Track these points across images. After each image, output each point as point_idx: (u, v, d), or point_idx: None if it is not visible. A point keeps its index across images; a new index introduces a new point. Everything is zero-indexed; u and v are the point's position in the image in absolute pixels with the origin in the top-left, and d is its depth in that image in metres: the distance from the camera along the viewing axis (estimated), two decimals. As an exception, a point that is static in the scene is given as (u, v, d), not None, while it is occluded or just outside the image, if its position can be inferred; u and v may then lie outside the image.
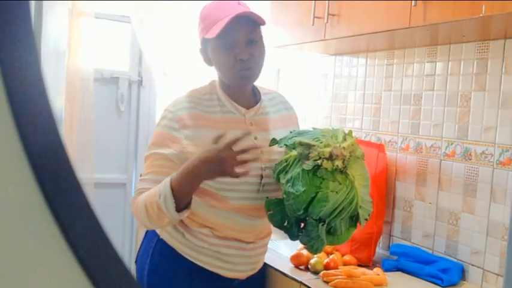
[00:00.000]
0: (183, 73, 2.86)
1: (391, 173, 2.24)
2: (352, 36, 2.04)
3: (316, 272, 1.86)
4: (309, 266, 1.90)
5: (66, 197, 0.43)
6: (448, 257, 1.96)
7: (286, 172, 1.42)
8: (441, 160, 2.02)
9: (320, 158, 1.37)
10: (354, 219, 1.45)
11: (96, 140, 2.71)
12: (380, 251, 2.24)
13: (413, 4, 1.69)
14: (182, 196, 1.40)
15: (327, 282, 1.78)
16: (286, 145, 1.45)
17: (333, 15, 2.11)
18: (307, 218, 1.42)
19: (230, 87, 1.55)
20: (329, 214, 1.39)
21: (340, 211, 1.40)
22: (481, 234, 1.85)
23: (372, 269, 1.93)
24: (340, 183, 1.38)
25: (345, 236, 1.46)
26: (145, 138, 2.95)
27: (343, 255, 2.01)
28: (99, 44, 2.77)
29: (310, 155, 1.38)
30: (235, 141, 1.35)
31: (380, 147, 2.18)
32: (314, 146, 1.39)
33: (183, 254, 1.56)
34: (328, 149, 1.37)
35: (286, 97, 1.77)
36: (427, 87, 2.10)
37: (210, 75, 1.69)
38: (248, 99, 1.60)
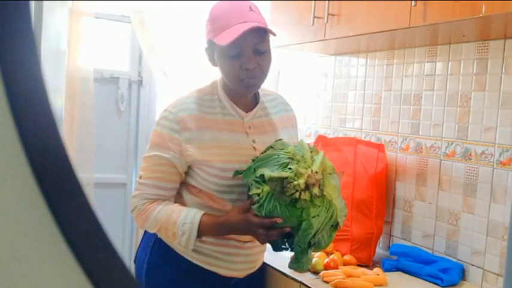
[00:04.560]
0: (183, 73, 2.86)
1: (391, 173, 2.24)
2: (352, 36, 2.04)
3: (316, 272, 1.86)
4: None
5: (66, 197, 0.42)
6: (448, 257, 1.97)
7: (261, 206, 1.37)
8: (441, 160, 2.02)
9: (297, 191, 1.33)
10: (335, 226, 1.45)
11: (96, 140, 2.71)
12: (380, 251, 2.24)
13: (413, 4, 1.69)
14: (204, 236, 1.49)
15: (327, 282, 1.78)
16: (253, 180, 1.39)
17: (333, 15, 2.11)
18: (295, 246, 1.42)
19: (232, 90, 1.55)
20: (313, 236, 1.39)
21: (323, 228, 1.40)
22: (481, 234, 1.85)
23: (372, 269, 1.93)
24: (319, 206, 1.37)
25: (328, 241, 1.46)
26: (145, 138, 2.94)
27: (343, 255, 2.01)
28: (99, 44, 2.77)
29: (284, 189, 1.33)
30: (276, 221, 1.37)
31: (380, 147, 2.18)
32: (286, 178, 1.33)
33: (180, 253, 1.56)
34: (302, 181, 1.33)
35: (286, 98, 1.77)
36: (427, 87, 2.10)
37: (210, 75, 1.69)
38: (249, 102, 1.60)
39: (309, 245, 1.41)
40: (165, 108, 1.54)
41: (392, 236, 2.25)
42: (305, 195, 1.33)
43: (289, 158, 1.38)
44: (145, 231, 1.66)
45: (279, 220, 1.35)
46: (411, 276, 1.94)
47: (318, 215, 1.36)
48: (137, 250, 1.69)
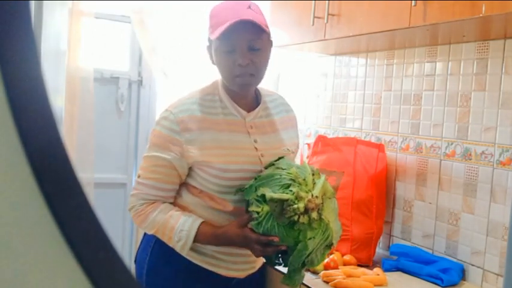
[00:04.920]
0: (183, 73, 2.86)
1: (391, 173, 2.24)
2: (352, 36, 2.04)
3: (316, 272, 1.86)
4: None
5: (66, 197, 0.42)
6: (448, 257, 1.97)
7: (259, 223, 1.39)
8: (441, 160, 2.02)
9: (296, 214, 1.35)
10: (329, 245, 1.46)
11: (96, 140, 2.71)
12: (380, 251, 2.24)
13: (413, 4, 1.69)
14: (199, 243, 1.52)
15: (327, 282, 1.78)
16: (254, 198, 1.41)
17: (333, 15, 2.11)
18: (289, 265, 1.43)
19: (233, 89, 1.55)
20: (308, 256, 1.41)
21: (318, 249, 1.42)
22: (481, 234, 1.85)
23: (372, 269, 1.93)
24: (316, 228, 1.38)
25: (321, 260, 1.48)
26: (145, 138, 2.94)
27: (343, 255, 2.01)
28: (99, 44, 2.77)
29: (284, 211, 1.35)
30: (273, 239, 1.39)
31: (380, 147, 2.18)
32: (287, 200, 1.35)
33: (181, 254, 1.56)
34: (302, 205, 1.34)
35: (286, 98, 1.77)
36: (427, 87, 2.10)
37: (210, 75, 1.68)
38: (250, 102, 1.60)
39: (303, 265, 1.44)
40: (166, 108, 1.54)
41: (392, 236, 2.25)
42: (303, 219, 1.35)
43: (291, 179, 1.40)
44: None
45: (276, 239, 1.38)
46: (411, 276, 1.94)
47: (314, 237, 1.38)
48: (137, 250, 1.69)
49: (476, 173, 1.88)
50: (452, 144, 1.98)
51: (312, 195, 1.37)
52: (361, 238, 2.06)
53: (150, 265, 1.60)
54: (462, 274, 1.90)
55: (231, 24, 1.41)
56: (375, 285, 1.79)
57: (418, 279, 1.91)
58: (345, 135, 2.52)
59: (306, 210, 1.35)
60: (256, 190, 1.42)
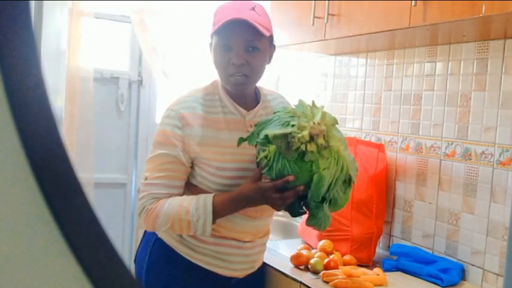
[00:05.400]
0: (183, 73, 2.86)
1: (391, 173, 2.24)
2: (352, 36, 2.04)
3: (316, 272, 1.86)
4: (309, 266, 1.89)
5: (66, 197, 0.42)
6: (448, 257, 1.97)
7: (270, 168, 1.37)
8: (441, 160, 2.02)
9: (302, 143, 1.32)
10: (348, 181, 1.43)
11: (96, 140, 2.71)
12: (380, 251, 2.24)
13: (413, 4, 1.69)
14: (219, 218, 1.47)
15: (327, 282, 1.78)
16: (258, 142, 1.39)
17: (333, 15, 2.11)
18: (309, 202, 1.40)
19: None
20: (327, 190, 1.38)
21: (336, 182, 1.38)
22: (481, 234, 1.85)
23: (372, 269, 1.93)
24: (328, 158, 1.36)
25: (345, 199, 1.44)
26: (145, 138, 2.95)
27: (343, 255, 2.01)
28: (99, 44, 2.77)
29: (290, 144, 1.33)
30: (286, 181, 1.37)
31: (380, 147, 2.18)
32: (290, 133, 1.33)
33: (180, 253, 1.56)
34: (306, 132, 1.32)
35: (286, 98, 1.77)
36: (427, 87, 2.10)
37: (210, 75, 1.69)
38: (250, 100, 1.60)
39: (324, 200, 1.39)
40: (167, 107, 1.55)
41: (392, 236, 2.25)
42: (311, 147, 1.33)
43: (290, 116, 1.38)
44: (145, 231, 1.66)
45: (291, 178, 1.34)
46: (411, 276, 1.94)
47: (328, 167, 1.35)
48: (137, 250, 1.70)
49: (476, 173, 1.88)
50: (452, 144, 1.98)
51: (314, 123, 1.35)
52: (361, 238, 2.06)
53: (149, 265, 1.60)
54: (462, 274, 1.90)
55: (227, 21, 1.42)
56: (375, 285, 1.79)
57: (418, 279, 1.91)
58: (345, 135, 2.51)
59: (312, 138, 1.33)
60: (258, 135, 1.39)
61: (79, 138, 2.62)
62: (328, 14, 2.11)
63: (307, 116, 1.38)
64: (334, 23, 2.11)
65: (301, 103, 1.44)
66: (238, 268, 1.60)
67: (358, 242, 2.06)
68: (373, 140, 2.35)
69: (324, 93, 2.70)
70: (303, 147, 1.32)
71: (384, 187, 2.18)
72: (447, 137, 2.00)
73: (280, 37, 2.42)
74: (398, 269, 1.99)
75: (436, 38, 1.96)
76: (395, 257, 2.07)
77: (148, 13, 2.73)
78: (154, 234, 1.61)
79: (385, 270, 1.95)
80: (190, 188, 1.55)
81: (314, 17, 2.18)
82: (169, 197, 1.48)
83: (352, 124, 2.50)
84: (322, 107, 1.43)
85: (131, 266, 1.89)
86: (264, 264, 1.78)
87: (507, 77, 1.79)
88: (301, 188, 1.36)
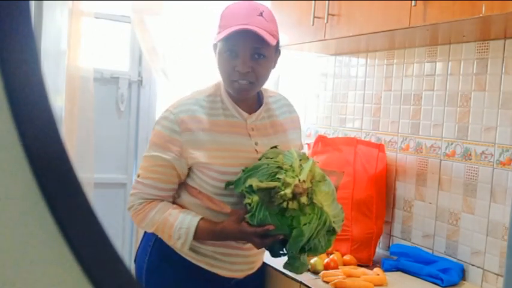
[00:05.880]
0: (183, 73, 2.86)
1: (391, 173, 2.24)
2: (352, 36, 2.04)
3: (316, 272, 1.86)
4: (309, 266, 1.89)
5: (66, 197, 0.42)
6: (448, 257, 1.97)
7: (253, 215, 1.39)
8: (441, 160, 2.02)
9: (284, 200, 1.34)
10: (331, 231, 1.44)
11: (96, 140, 2.71)
12: (380, 251, 2.24)
13: (413, 4, 1.69)
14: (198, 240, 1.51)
15: (327, 282, 1.78)
16: (244, 191, 1.41)
17: (333, 15, 2.11)
18: (288, 251, 1.43)
19: None
20: (307, 241, 1.40)
21: (317, 234, 1.40)
22: (481, 234, 1.85)
23: (372, 269, 1.93)
24: (310, 214, 1.37)
25: (326, 246, 1.46)
26: (145, 138, 2.94)
27: (343, 255, 2.01)
28: (99, 44, 2.77)
29: (272, 199, 1.34)
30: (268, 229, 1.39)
31: (380, 147, 2.18)
32: (274, 188, 1.34)
33: (180, 253, 1.56)
34: (289, 190, 1.33)
35: (288, 99, 1.76)
36: (427, 87, 2.10)
37: (210, 75, 1.68)
38: (252, 103, 1.59)
39: (303, 251, 1.43)
40: (167, 108, 1.53)
41: (392, 236, 2.25)
42: (293, 205, 1.34)
43: (278, 167, 1.40)
44: (145, 231, 1.66)
45: (271, 227, 1.37)
46: (411, 276, 1.94)
47: (308, 223, 1.36)
48: (137, 250, 1.69)
49: (476, 173, 1.88)
50: (452, 144, 1.98)
51: (299, 180, 1.35)
52: (361, 238, 2.06)
53: (149, 265, 1.60)
54: (462, 274, 1.90)
55: (235, 31, 1.41)
56: (375, 285, 1.79)
57: (418, 279, 1.91)
58: (345, 135, 2.52)
59: (294, 196, 1.34)
60: (244, 182, 1.41)
61: (79, 138, 2.62)
62: (328, 14, 2.11)
63: (295, 170, 1.39)
64: (334, 23, 2.11)
65: (291, 153, 1.45)
66: (238, 269, 1.60)
67: (358, 242, 2.06)
68: (373, 140, 2.35)
69: (324, 93, 2.70)
70: (284, 204, 1.34)
71: (384, 187, 2.18)
72: (447, 137, 2.00)
73: (280, 37, 2.42)
74: (398, 269, 1.99)
75: (436, 38, 1.96)
76: (395, 257, 2.07)
77: (148, 13, 2.73)
78: (154, 234, 1.61)
79: (385, 270, 1.95)
80: (188, 189, 1.54)
81: (314, 17, 2.18)
82: (158, 198, 1.51)
83: (352, 124, 2.50)
84: (313, 161, 1.43)
85: (131, 266, 1.89)
86: (264, 264, 1.78)
87: (507, 77, 1.79)
88: (281, 237, 1.40)
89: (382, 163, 2.16)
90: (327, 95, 2.68)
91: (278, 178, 1.36)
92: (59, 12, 2.42)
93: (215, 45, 1.53)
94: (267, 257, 1.77)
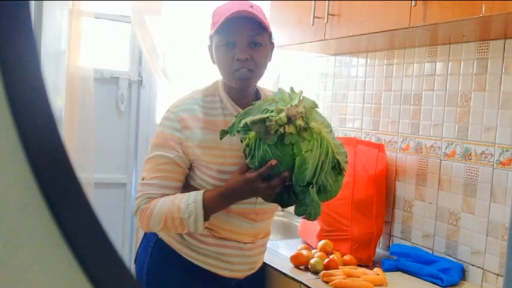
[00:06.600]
0: (183, 73, 2.86)
1: (391, 173, 2.24)
2: (352, 36, 2.04)
3: (316, 272, 1.86)
4: (309, 266, 1.90)
5: (66, 197, 0.42)
6: (448, 257, 1.97)
7: (253, 156, 1.36)
8: (441, 160, 2.02)
9: (280, 126, 1.30)
10: (337, 168, 1.41)
11: (96, 140, 2.71)
12: (380, 251, 2.24)
13: (413, 4, 1.69)
14: (211, 214, 1.46)
15: (327, 282, 1.78)
16: (239, 131, 1.38)
17: (333, 15, 2.11)
18: (295, 187, 1.37)
19: (232, 89, 1.55)
20: (313, 174, 1.35)
21: (322, 166, 1.36)
22: (481, 234, 1.85)
23: (372, 269, 1.93)
24: (310, 140, 1.34)
25: (336, 187, 1.42)
26: (145, 138, 2.95)
27: (343, 255, 2.01)
28: (99, 44, 2.77)
29: (268, 128, 1.31)
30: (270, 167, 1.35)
31: (380, 147, 2.18)
32: (268, 117, 1.31)
33: (181, 254, 1.56)
34: (283, 114, 1.30)
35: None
36: (427, 87, 2.10)
37: (210, 75, 1.68)
38: (250, 101, 1.59)
39: (309, 184, 1.36)
40: (167, 109, 1.54)
41: (392, 236, 2.25)
42: (290, 128, 1.31)
43: (268, 104, 1.37)
44: (145, 231, 1.66)
45: (273, 162, 1.33)
46: (411, 276, 1.94)
47: (310, 150, 1.33)
48: (137, 250, 1.69)
49: (476, 173, 1.88)
50: (452, 144, 1.98)
51: (292, 105, 1.33)
52: (361, 238, 2.06)
53: (150, 265, 1.60)
54: (462, 274, 1.90)
55: (231, 14, 1.42)
56: (375, 285, 1.79)
57: (418, 279, 1.91)
58: (345, 135, 2.52)
59: (290, 119, 1.31)
60: (239, 124, 1.39)
61: (79, 138, 2.62)
62: (328, 14, 2.11)
63: (285, 100, 1.36)
64: (334, 23, 2.11)
65: (280, 90, 1.43)
66: (238, 269, 1.60)
67: (358, 242, 2.06)
68: (373, 140, 2.35)
69: (324, 93, 2.70)
70: (281, 129, 1.31)
71: (384, 187, 2.18)
72: (447, 137, 2.00)
73: (280, 37, 2.42)
74: (398, 269, 1.99)
75: (436, 38, 1.96)
76: (395, 257, 2.07)
77: (148, 13, 2.73)
78: (154, 234, 1.61)
79: (385, 270, 1.95)
80: (189, 189, 1.54)
81: (314, 17, 2.18)
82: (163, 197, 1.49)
83: (352, 124, 2.50)
84: (301, 91, 1.41)
85: (131, 267, 1.89)
86: (264, 264, 1.78)
87: (507, 77, 1.79)
88: (286, 174, 1.35)
89: (382, 163, 2.16)
90: (327, 95, 2.68)
91: (271, 110, 1.33)
92: (59, 12, 2.42)
93: (210, 46, 1.54)
94: (267, 257, 1.77)
